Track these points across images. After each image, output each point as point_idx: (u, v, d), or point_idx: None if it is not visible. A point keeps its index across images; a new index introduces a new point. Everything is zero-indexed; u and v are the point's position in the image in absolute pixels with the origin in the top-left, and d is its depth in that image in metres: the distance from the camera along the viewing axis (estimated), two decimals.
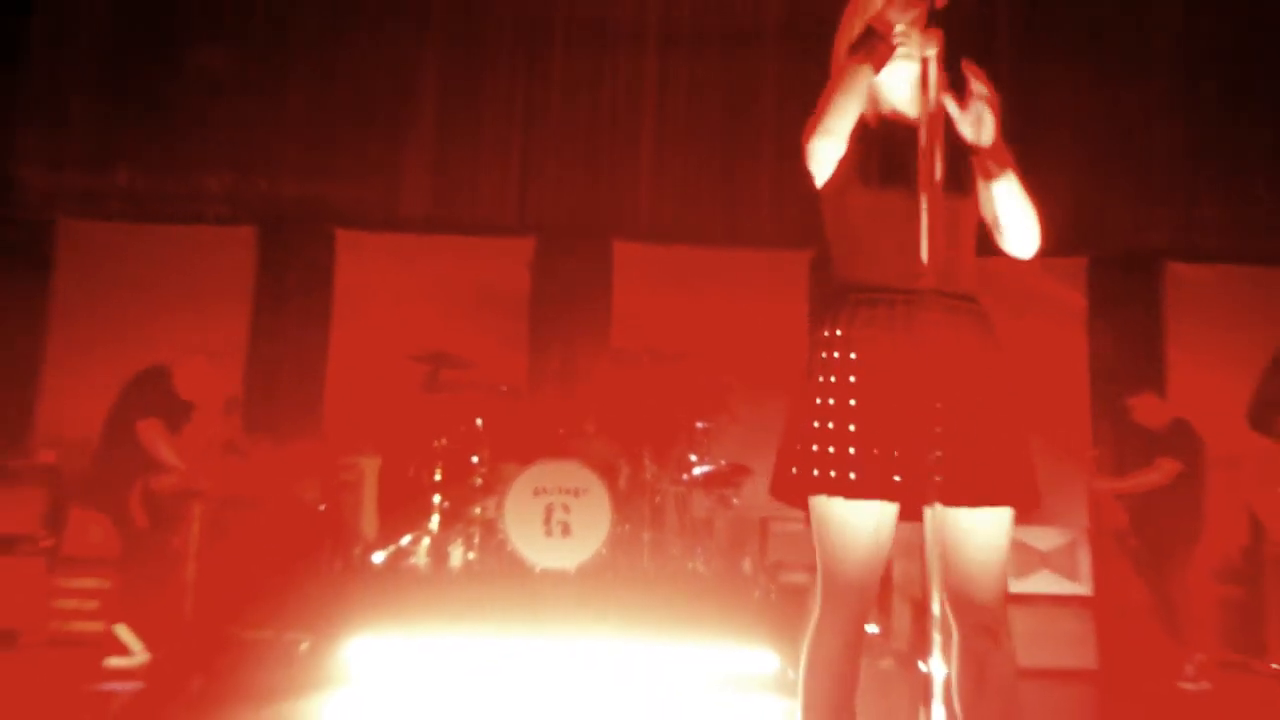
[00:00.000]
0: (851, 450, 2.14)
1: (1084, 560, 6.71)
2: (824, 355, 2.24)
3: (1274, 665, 6.85)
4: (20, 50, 8.12)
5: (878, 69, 2.19)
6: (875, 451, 2.13)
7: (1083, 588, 6.66)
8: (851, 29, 2.32)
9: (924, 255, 2.00)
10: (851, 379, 2.18)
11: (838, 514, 2.18)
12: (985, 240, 2.39)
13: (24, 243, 7.92)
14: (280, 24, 8.28)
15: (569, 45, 8.40)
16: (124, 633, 5.47)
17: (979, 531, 2.19)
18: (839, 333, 2.24)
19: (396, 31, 8.35)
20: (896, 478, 2.11)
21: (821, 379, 2.22)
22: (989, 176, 2.18)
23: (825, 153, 2.25)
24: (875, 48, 2.16)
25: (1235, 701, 5.94)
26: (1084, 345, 8.14)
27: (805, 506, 2.25)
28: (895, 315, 2.17)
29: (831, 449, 2.15)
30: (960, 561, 2.20)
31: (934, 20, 2.12)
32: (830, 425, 2.17)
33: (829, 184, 2.32)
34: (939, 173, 2.03)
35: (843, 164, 2.28)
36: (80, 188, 8.07)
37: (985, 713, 2.15)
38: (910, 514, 2.16)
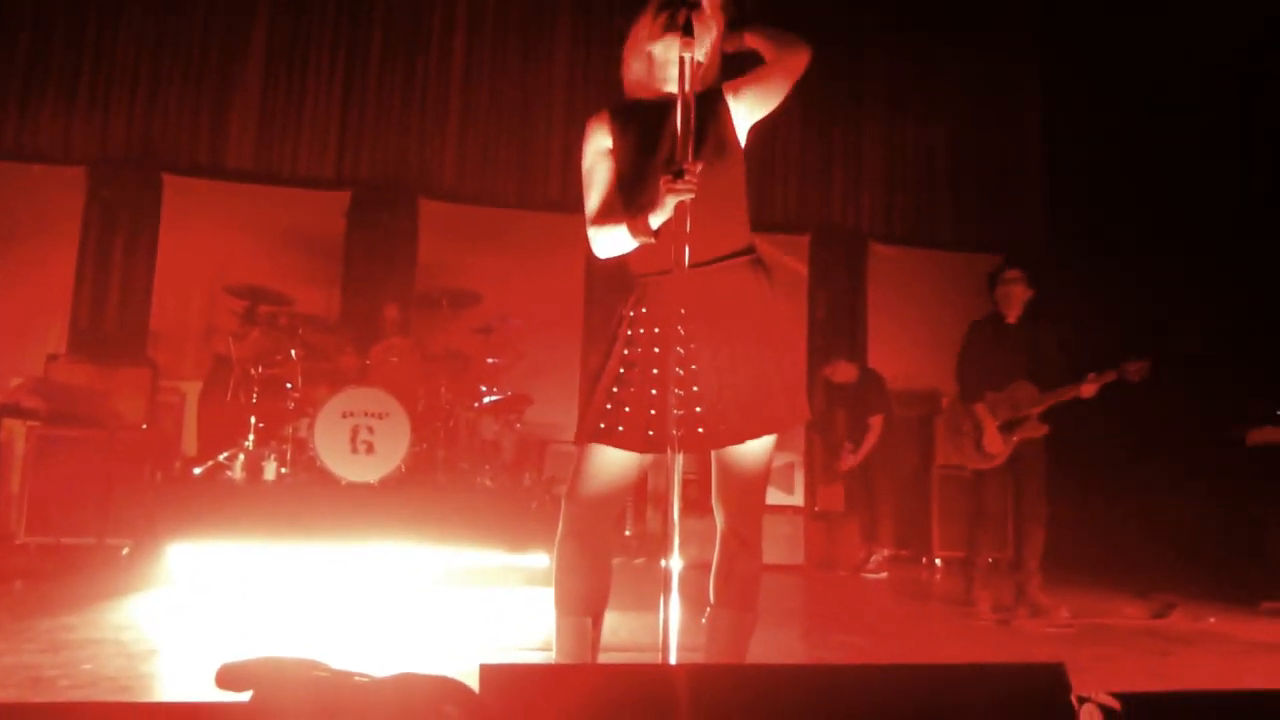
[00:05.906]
0: (627, 409, 2.17)
1: (798, 479, 7.06)
2: (618, 331, 2.26)
3: (936, 560, 7.44)
4: None
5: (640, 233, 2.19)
6: (640, 412, 2.16)
7: (796, 500, 7.01)
8: (630, 66, 2.31)
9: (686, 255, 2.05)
10: (625, 352, 2.23)
11: (599, 456, 2.21)
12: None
13: None
14: None
15: (387, 24, 8.03)
16: None
17: (741, 461, 2.23)
18: (627, 314, 2.27)
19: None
20: (650, 432, 2.14)
21: (613, 350, 2.25)
22: (734, 47, 2.29)
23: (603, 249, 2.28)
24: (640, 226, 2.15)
25: (904, 586, 6.41)
26: (804, 307, 8.49)
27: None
28: (669, 294, 2.12)
29: (609, 406, 2.19)
30: (724, 483, 2.27)
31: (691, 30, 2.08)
32: (614, 390, 2.21)
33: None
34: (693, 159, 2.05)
35: (614, 159, 2.30)
36: None
37: (727, 598, 2.26)
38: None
